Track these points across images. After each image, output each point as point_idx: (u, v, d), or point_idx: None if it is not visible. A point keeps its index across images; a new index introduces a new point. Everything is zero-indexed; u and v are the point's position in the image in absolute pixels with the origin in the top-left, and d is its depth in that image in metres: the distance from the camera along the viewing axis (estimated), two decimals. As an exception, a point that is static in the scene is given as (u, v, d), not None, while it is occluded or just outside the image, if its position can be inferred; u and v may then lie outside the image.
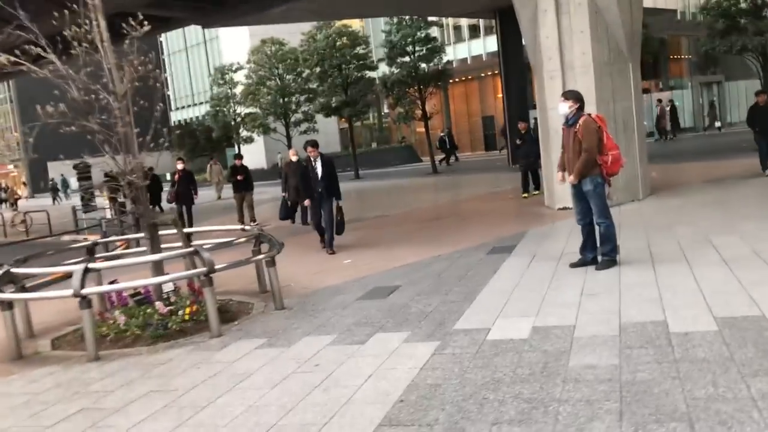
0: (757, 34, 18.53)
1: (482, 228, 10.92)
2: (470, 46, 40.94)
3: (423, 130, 41.91)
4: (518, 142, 15.00)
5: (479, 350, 4.84)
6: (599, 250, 7.07)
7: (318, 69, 30.25)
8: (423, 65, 27.96)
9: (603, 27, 11.57)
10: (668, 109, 31.69)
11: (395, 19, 28.02)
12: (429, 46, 27.65)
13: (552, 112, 11.89)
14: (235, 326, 6.52)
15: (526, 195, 14.39)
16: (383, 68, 30.62)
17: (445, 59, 29.60)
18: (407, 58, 27.56)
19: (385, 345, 5.26)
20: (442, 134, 36.34)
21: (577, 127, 6.98)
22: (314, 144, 10.19)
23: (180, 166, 14.45)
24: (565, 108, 7.17)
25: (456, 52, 41.08)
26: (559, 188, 11.93)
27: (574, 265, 7.19)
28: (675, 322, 4.91)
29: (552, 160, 12.02)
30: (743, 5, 18.77)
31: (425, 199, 17.40)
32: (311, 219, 10.27)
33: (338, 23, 30.78)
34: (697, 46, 33.47)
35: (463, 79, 42.67)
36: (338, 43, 30.00)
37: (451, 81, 43.30)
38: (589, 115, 7.17)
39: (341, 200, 10.37)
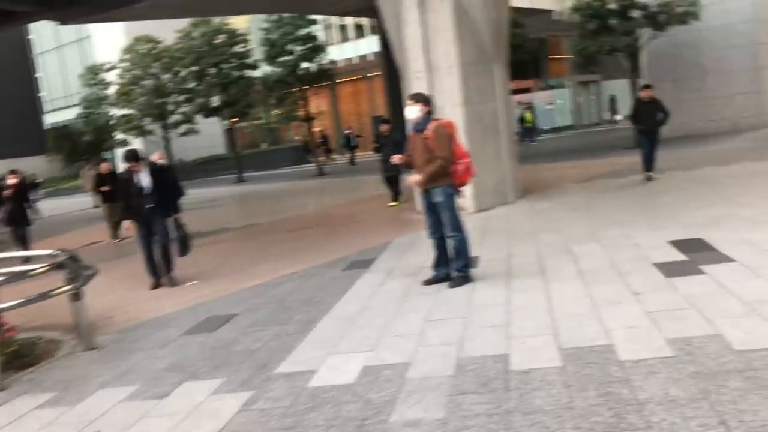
0: (626, 34, 18.93)
1: (347, 238, 10.22)
2: (357, 45, 40.40)
3: (319, 129, 41.05)
4: (375, 146, 13.83)
5: (294, 403, 4.09)
6: (452, 265, 6.51)
7: (195, 68, 28.81)
8: (305, 64, 27.13)
9: (467, 25, 11.14)
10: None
11: (275, 17, 27.02)
12: (310, 44, 26.82)
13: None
14: (29, 374, 5.48)
15: (392, 203, 13.42)
16: (266, 68, 29.50)
17: (328, 58, 28.82)
18: (288, 57, 26.62)
19: (190, 398, 4.41)
20: (347, 131, 35.48)
21: (427, 132, 6.35)
22: (133, 157, 8.23)
23: (12, 180, 12.13)
24: (415, 112, 6.50)
25: (342, 52, 40.42)
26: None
27: (427, 283, 6.60)
28: (517, 356, 4.35)
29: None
30: (612, 6, 19.11)
31: (300, 205, 16.56)
32: (140, 244, 8.40)
33: (216, 20, 29.44)
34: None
35: (351, 78, 42.10)
36: (216, 41, 28.68)
37: (339, 81, 42.59)
38: (439, 120, 6.55)
39: (180, 213, 8.56)
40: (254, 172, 37.38)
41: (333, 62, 32.35)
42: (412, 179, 6.55)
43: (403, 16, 11.24)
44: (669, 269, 5.89)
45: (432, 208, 6.51)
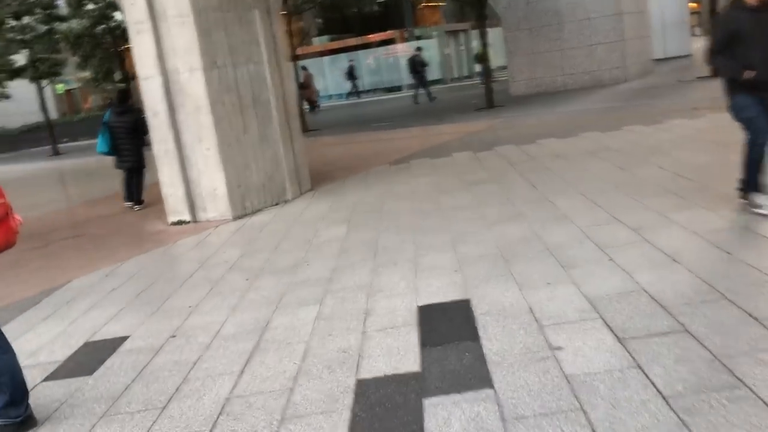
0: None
1: (27, 274, 6.93)
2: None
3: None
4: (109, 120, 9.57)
5: None
6: (-6, 403, 3.41)
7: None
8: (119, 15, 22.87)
9: (204, -46, 7.87)
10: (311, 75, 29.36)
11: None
12: (119, -10, 22.51)
13: (147, 84, 8.10)
14: None
15: (132, 204, 9.79)
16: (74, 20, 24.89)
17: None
18: (92, 6, 22.27)
19: None
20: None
21: None
22: None
23: None
24: None
25: None
26: (173, 193, 8.29)
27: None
28: None
29: (155, 152, 8.31)
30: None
31: (72, 196, 12.98)
32: None
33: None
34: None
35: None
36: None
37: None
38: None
39: None
40: (87, 140, 32.81)
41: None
42: None
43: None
44: (367, 410, 3.05)
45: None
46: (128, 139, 9.53)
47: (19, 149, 34.62)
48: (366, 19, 37.15)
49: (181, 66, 7.89)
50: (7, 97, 28.47)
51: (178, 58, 7.88)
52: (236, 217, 8.08)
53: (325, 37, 37.81)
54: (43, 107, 26.73)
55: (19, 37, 24.54)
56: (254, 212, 8.27)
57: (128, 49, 23.46)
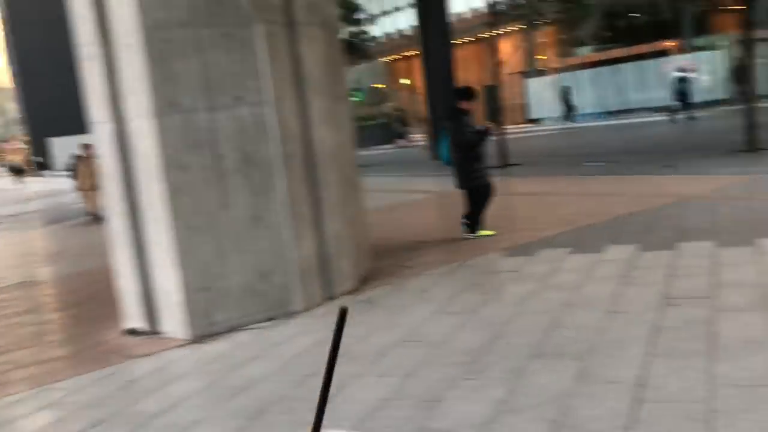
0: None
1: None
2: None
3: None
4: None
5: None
6: None
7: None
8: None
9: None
10: None
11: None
12: None
13: (98, 132, 5.70)
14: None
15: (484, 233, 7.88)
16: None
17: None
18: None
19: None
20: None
21: None
22: None
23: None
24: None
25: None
26: (127, 289, 5.83)
27: None
28: None
29: (112, 229, 5.92)
30: None
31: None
32: None
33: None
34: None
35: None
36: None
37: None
38: None
39: None
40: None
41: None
42: None
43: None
44: None
45: None
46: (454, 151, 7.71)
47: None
48: (633, 28, 31.83)
49: (129, 109, 5.34)
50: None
51: (127, 97, 5.34)
52: (196, 338, 5.30)
53: (586, 48, 33.34)
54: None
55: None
56: (230, 330, 5.40)
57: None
